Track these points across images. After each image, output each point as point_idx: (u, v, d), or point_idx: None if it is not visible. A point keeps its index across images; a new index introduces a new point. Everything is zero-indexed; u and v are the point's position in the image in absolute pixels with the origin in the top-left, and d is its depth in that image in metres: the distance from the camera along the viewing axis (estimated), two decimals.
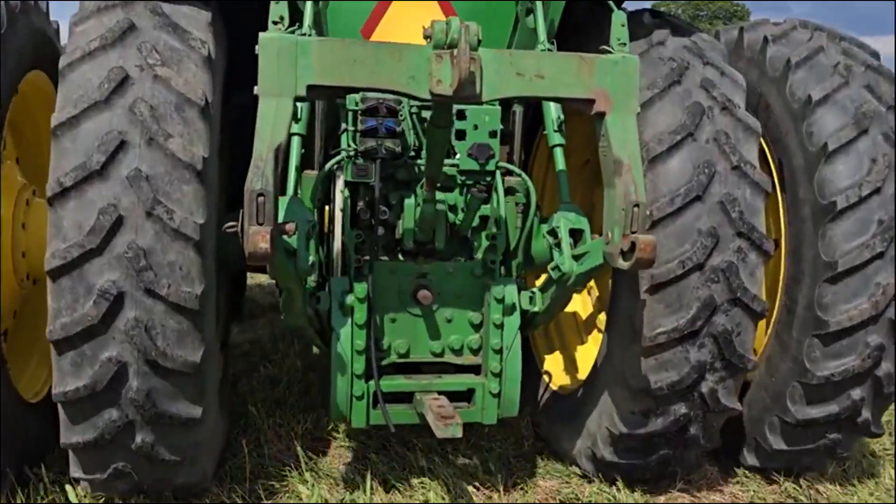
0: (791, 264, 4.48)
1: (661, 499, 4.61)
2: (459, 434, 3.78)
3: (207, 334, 3.69)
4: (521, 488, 4.67)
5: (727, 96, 4.16)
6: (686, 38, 4.38)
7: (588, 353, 5.43)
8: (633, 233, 3.42)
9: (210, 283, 3.70)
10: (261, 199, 3.03)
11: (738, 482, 4.88)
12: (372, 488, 4.45)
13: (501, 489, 4.57)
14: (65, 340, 3.46)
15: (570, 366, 5.34)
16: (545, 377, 5.36)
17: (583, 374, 5.06)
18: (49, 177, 3.46)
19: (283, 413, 5.43)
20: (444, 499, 4.42)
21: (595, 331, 5.60)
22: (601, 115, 3.45)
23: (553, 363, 5.48)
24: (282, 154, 3.24)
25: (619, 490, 4.58)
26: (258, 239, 3.00)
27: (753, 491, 4.77)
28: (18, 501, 4.06)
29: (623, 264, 3.47)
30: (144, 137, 3.48)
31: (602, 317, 5.53)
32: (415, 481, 4.59)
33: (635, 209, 3.41)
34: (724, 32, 5.04)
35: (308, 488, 4.40)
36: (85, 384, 3.48)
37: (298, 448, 4.72)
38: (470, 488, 4.56)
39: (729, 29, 5.06)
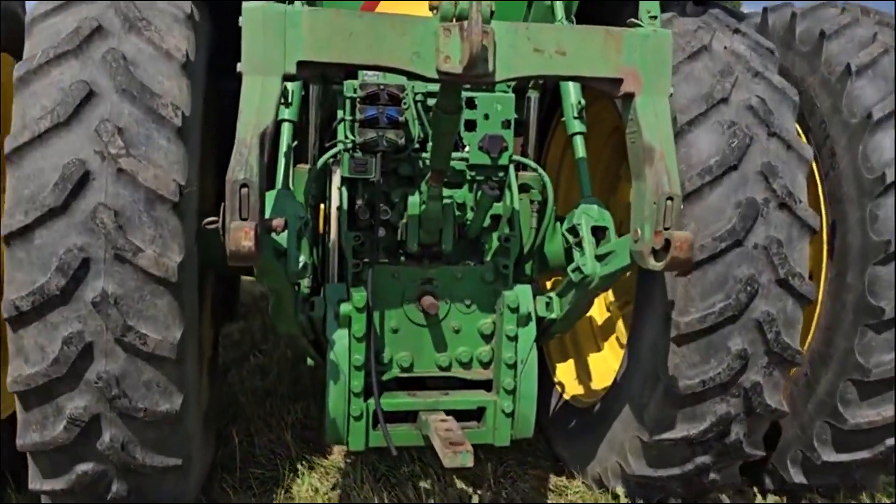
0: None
1: None
2: (470, 463, 3.39)
3: (187, 380, 3.37)
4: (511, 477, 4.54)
5: (778, 121, 3.75)
6: (734, 43, 3.91)
7: (606, 362, 5.11)
8: (667, 229, 3.03)
9: (191, 252, 3.36)
10: (244, 190, 2.68)
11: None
12: (362, 478, 4.36)
13: (491, 480, 4.40)
14: (28, 392, 3.19)
15: (587, 376, 4.99)
16: (558, 388, 4.99)
17: (602, 383, 4.74)
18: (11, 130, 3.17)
19: (272, 403, 5.39)
20: (433, 488, 4.30)
21: (613, 337, 5.22)
22: (629, 96, 3.09)
23: (567, 373, 5.13)
24: (269, 140, 2.85)
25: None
26: (241, 236, 2.65)
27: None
28: None
29: (655, 265, 3.08)
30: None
31: (619, 322, 5.15)
32: (404, 470, 4.50)
33: (669, 202, 3.03)
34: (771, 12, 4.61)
35: (299, 477, 4.42)
36: (53, 437, 3.21)
37: (289, 437, 4.76)
38: (459, 479, 4.44)
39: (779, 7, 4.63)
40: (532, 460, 4.64)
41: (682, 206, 3.11)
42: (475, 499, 4.27)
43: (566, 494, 4.41)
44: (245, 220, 2.68)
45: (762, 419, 3.87)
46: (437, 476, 4.35)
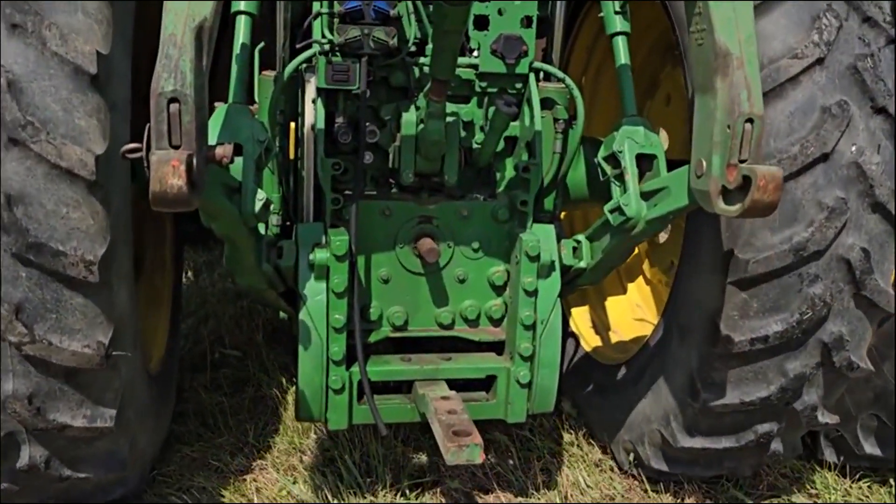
0: None
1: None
2: (478, 459, 2.79)
3: (116, 308, 2.68)
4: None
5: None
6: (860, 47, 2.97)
7: (634, 307, 4.48)
8: (744, 161, 2.37)
9: (120, 238, 2.65)
10: (174, 106, 2.10)
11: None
12: None
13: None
14: None
15: (613, 325, 4.36)
16: (576, 335, 4.36)
17: (632, 333, 4.14)
18: None
19: (242, 305, 5.37)
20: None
21: (640, 279, 4.51)
22: None
23: (587, 321, 4.47)
24: (209, 37, 2.12)
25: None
26: (168, 171, 2.02)
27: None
28: None
29: (727, 209, 2.41)
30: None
31: (650, 257, 4.44)
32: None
33: (747, 125, 2.39)
34: None
35: (269, 376, 4.45)
36: None
37: (259, 338, 4.86)
38: None
39: None
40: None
41: (763, 131, 2.37)
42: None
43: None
44: (176, 147, 2.07)
45: (843, 379, 3.21)
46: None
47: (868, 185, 2.87)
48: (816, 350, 3.05)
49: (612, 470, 3.82)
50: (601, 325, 4.38)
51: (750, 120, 2.36)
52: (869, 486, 3.87)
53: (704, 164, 2.46)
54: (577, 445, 3.91)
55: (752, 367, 3.08)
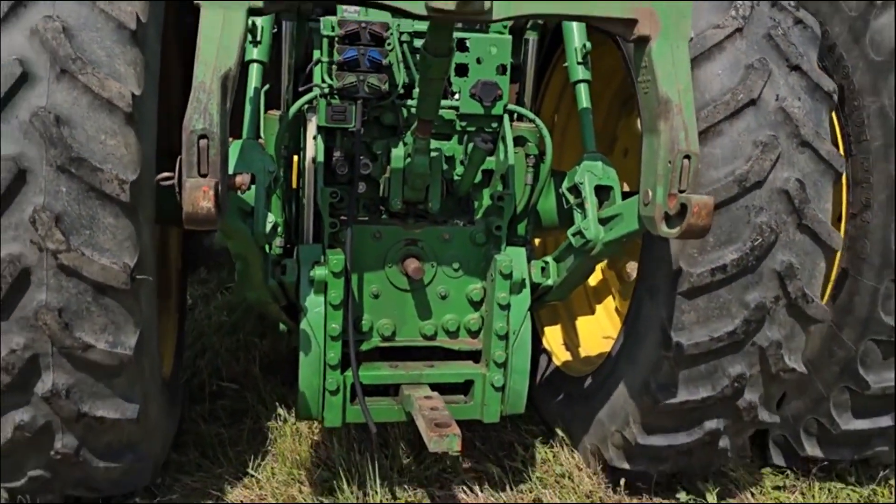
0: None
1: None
2: (457, 448, 3.12)
3: (144, 315, 3.00)
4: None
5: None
6: (771, 22, 3.44)
7: (601, 327, 4.85)
8: (683, 191, 2.74)
9: (146, 251, 2.98)
10: (203, 142, 2.39)
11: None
12: None
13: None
14: None
15: (581, 342, 4.72)
16: (548, 354, 4.72)
17: (597, 349, 4.50)
18: None
19: (239, 338, 5.39)
20: (397, 426, 4.16)
21: (607, 299, 4.92)
22: (644, 40, 2.79)
23: (559, 339, 4.84)
24: (233, 84, 2.50)
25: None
26: (199, 196, 2.36)
27: (751, 486, 4.24)
28: None
29: (668, 232, 2.78)
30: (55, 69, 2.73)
31: (615, 283, 4.84)
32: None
33: (685, 161, 2.74)
34: None
35: (267, 408, 4.48)
36: None
37: (256, 371, 4.85)
38: None
39: None
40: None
41: (698, 167, 2.78)
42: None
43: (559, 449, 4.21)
44: (204, 176, 2.38)
45: (779, 381, 3.58)
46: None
47: (794, 125, 3.28)
48: (773, 281, 3.33)
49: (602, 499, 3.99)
50: (571, 342, 4.74)
51: (687, 156, 2.71)
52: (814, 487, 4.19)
53: (650, 193, 2.82)
54: (569, 477, 4.04)
55: (716, 302, 3.32)
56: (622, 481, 3.93)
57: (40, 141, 2.68)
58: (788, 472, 4.29)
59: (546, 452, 4.23)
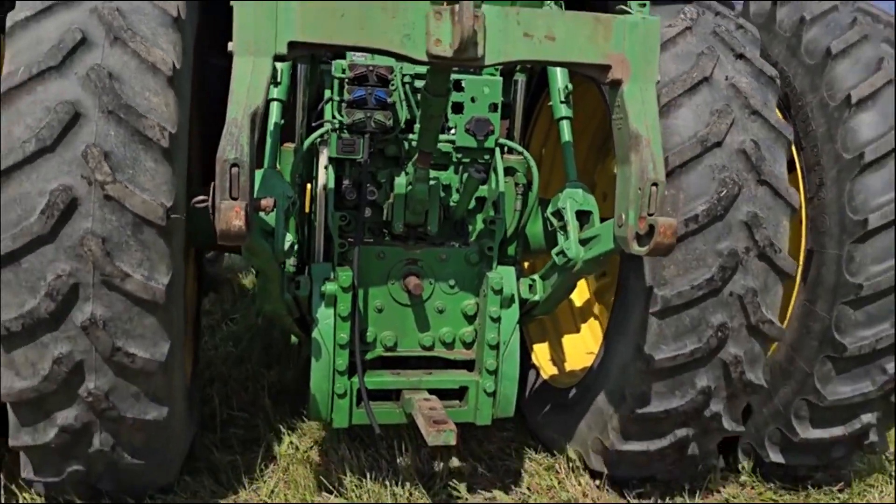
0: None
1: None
2: (453, 441, 3.45)
3: (175, 327, 3.36)
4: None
5: (760, 99, 3.81)
6: (716, 24, 3.97)
7: (585, 343, 5.21)
8: (651, 215, 3.09)
9: (178, 272, 3.35)
10: (234, 170, 2.71)
11: (732, 483, 4.66)
12: (339, 436, 4.45)
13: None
14: (13, 336, 3.16)
15: (567, 357, 5.08)
16: (537, 369, 5.08)
17: (581, 364, 4.83)
18: None
19: (247, 368, 5.51)
20: (406, 447, 4.37)
21: (591, 319, 5.28)
22: (617, 83, 3.16)
23: (547, 354, 5.20)
24: (259, 120, 2.87)
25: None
26: (232, 216, 2.70)
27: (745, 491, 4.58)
28: None
29: (638, 250, 3.14)
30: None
31: (598, 304, 5.22)
32: (377, 432, 4.36)
33: (653, 188, 3.09)
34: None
35: (277, 437, 4.55)
36: (36, 383, 3.18)
37: (266, 400, 4.91)
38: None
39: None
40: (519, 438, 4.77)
41: (665, 193, 3.16)
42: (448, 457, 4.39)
43: (554, 470, 4.48)
44: (235, 199, 2.70)
45: (741, 393, 3.94)
46: (409, 437, 4.40)
47: (744, 98, 3.73)
48: (742, 232, 3.67)
49: None
50: (558, 358, 5.09)
51: (655, 184, 3.05)
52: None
53: (623, 216, 3.17)
54: (574, 502, 4.26)
55: (691, 255, 3.65)
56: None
57: (95, 90, 3.08)
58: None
59: (552, 479, 4.43)
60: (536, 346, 5.16)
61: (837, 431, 4.21)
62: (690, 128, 3.68)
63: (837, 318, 3.98)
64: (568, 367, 4.93)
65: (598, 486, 4.29)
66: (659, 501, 4.30)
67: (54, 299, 3.08)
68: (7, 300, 3.12)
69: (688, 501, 4.30)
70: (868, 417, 4.16)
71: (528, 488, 4.35)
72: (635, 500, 4.29)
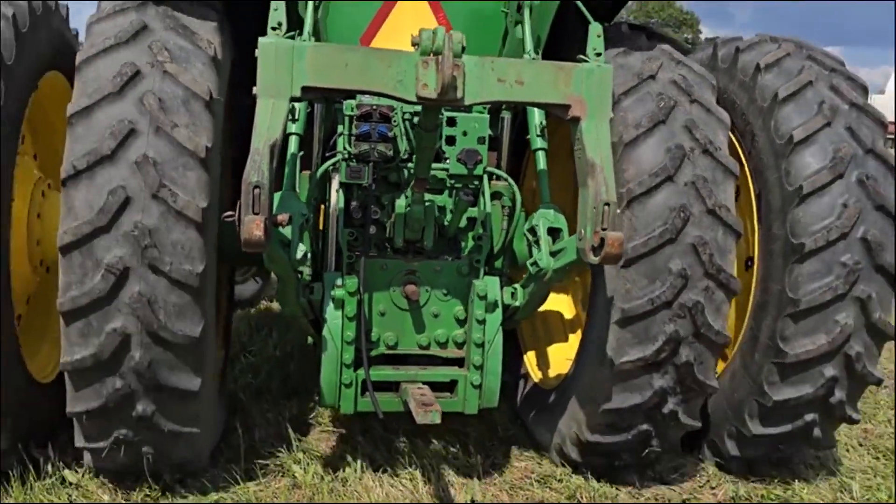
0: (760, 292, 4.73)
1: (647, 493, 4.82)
2: (438, 420, 3.98)
3: (207, 311, 3.94)
4: (499, 468, 4.91)
5: (709, 138, 4.38)
6: (676, 72, 4.58)
7: (572, 349, 5.66)
8: (604, 230, 3.61)
9: (210, 263, 3.95)
10: (256, 190, 3.27)
11: (727, 480, 5.06)
12: (362, 467, 4.70)
13: (480, 469, 4.83)
14: (73, 312, 3.74)
15: (555, 362, 5.57)
16: (530, 373, 5.61)
17: (566, 368, 5.26)
18: (63, 161, 3.75)
19: (268, 399, 5.67)
20: (428, 478, 4.66)
21: (579, 330, 5.81)
22: (576, 119, 3.68)
23: (539, 361, 5.73)
24: (277, 150, 3.46)
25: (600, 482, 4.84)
26: (253, 227, 3.23)
27: (743, 488, 4.95)
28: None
29: (593, 259, 3.67)
30: (153, 126, 3.79)
31: (584, 318, 5.78)
32: (400, 460, 4.83)
33: (606, 207, 3.59)
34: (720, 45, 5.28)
35: (302, 467, 4.65)
36: (91, 353, 3.75)
37: (289, 430, 5.00)
38: (450, 468, 4.83)
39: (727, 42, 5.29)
40: (517, 453, 5.17)
41: (617, 211, 3.74)
42: (465, 485, 4.68)
43: (550, 483, 4.86)
44: (257, 214, 3.25)
45: (694, 393, 4.46)
46: (430, 467, 4.75)
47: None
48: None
49: None
50: (548, 363, 5.63)
51: (607, 204, 3.55)
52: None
53: (583, 231, 3.70)
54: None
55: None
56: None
57: (144, 111, 3.77)
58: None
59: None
60: (529, 354, 5.73)
61: (784, 428, 4.70)
62: (641, 107, 4.32)
63: (781, 329, 4.50)
64: (555, 371, 5.47)
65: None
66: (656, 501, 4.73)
67: (109, 281, 3.69)
68: (71, 280, 3.73)
69: (687, 500, 4.73)
70: (810, 416, 4.64)
71: None
72: (633, 500, 4.69)
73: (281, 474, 4.67)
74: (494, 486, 4.75)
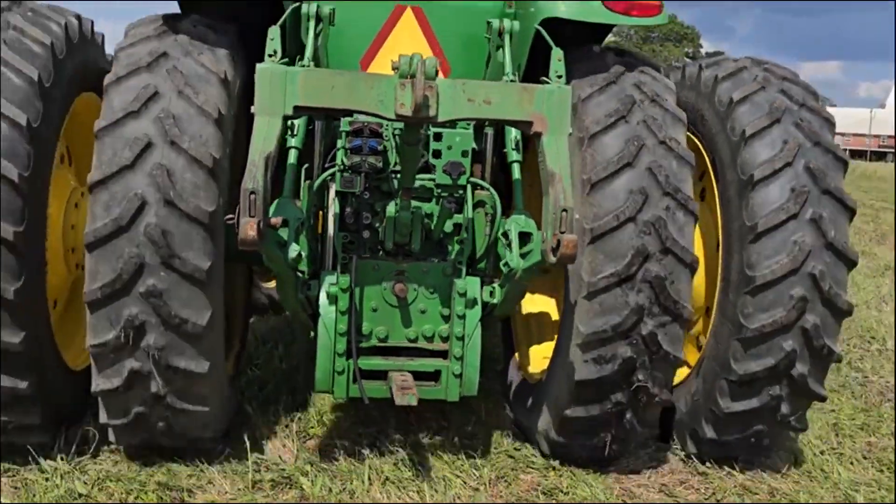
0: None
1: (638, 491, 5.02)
2: (414, 402, 4.41)
3: (214, 303, 4.42)
4: (506, 481, 5.10)
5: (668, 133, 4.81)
6: (639, 77, 5.03)
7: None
8: (562, 233, 4.00)
9: (217, 260, 4.42)
10: (252, 196, 3.74)
11: (721, 478, 5.24)
12: (369, 480, 4.85)
13: (487, 482, 5.00)
14: (97, 302, 4.26)
15: (539, 358, 5.95)
16: (518, 365, 6.02)
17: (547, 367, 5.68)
18: (91, 170, 4.28)
19: (274, 411, 5.74)
20: (435, 490, 4.80)
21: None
22: (539, 135, 4.09)
23: (527, 355, 6.14)
24: (272, 161, 3.89)
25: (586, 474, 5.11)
26: (247, 228, 3.72)
27: (742, 487, 5.14)
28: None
29: (552, 259, 4.07)
30: (167, 140, 4.29)
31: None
32: (407, 473, 4.98)
33: (563, 213, 3.98)
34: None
35: (309, 479, 4.78)
36: (113, 337, 4.27)
37: (297, 443, 5.21)
38: (457, 480, 5.01)
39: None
40: (523, 466, 5.30)
41: (575, 217, 4.16)
42: (472, 497, 4.83)
43: (557, 496, 4.93)
44: (252, 217, 3.73)
45: (663, 365, 4.74)
46: (437, 479, 4.91)
47: (653, 132, 4.70)
48: (649, 233, 4.50)
49: None
50: (537, 359, 6.04)
51: (565, 210, 3.94)
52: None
53: (544, 234, 4.13)
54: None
55: (612, 249, 4.52)
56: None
57: (160, 127, 4.28)
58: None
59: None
60: (520, 351, 6.15)
61: (753, 403, 4.99)
62: (611, 102, 4.74)
63: (742, 306, 4.87)
64: (542, 366, 5.81)
65: None
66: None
67: (127, 274, 4.20)
68: (96, 273, 4.24)
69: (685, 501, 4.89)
70: (776, 391, 4.94)
71: None
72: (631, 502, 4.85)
73: (289, 486, 4.76)
74: (501, 499, 4.88)
